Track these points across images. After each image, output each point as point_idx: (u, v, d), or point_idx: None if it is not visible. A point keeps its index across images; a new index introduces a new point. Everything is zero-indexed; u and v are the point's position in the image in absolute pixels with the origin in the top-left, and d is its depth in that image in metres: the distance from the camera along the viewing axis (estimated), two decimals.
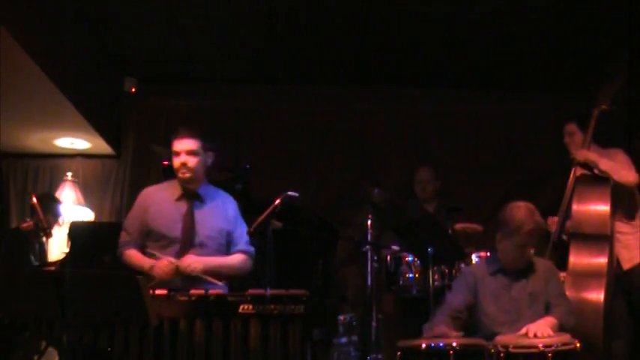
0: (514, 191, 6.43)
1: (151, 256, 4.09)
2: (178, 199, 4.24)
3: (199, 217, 4.20)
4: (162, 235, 4.15)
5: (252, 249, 4.29)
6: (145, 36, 6.60)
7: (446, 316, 4.05)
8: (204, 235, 4.16)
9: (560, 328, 3.80)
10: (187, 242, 4.13)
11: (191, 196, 4.24)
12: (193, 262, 4.00)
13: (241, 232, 4.28)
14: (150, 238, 4.18)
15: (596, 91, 5.07)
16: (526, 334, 3.70)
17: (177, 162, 4.19)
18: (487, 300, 4.06)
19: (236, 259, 4.24)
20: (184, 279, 3.97)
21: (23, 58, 5.17)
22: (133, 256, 4.18)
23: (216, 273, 4.08)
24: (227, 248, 4.26)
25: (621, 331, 4.79)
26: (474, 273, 4.21)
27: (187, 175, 4.19)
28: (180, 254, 4.08)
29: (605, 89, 5.01)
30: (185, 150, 4.18)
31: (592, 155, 4.85)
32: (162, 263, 4.00)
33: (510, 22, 6.23)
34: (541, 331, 3.67)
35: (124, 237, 4.26)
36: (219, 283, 4.00)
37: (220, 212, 4.28)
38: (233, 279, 4.28)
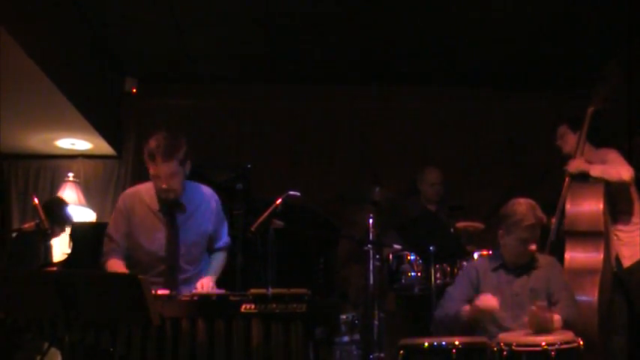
0: (515, 189, 6.43)
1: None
2: (160, 210, 4.11)
3: (182, 225, 4.11)
4: (145, 247, 4.08)
5: (229, 239, 4.27)
6: (145, 36, 6.61)
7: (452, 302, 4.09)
8: (188, 242, 4.10)
9: (565, 324, 3.81)
10: (172, 255, 4.07)
11: (172, 206, 4.11)
12: (207, 285, 3.94)
13: (222, 228, 4.25)
14: (133, 248, 4.11)
15: (590, 91, 5.10)
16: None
17: (157, 184, 4.03)
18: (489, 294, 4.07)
19: (221, 258, 4.25)
20: None
21: (23, 59, 5.17)
22: (116, 267, 4.04)
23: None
24: (208, 245, 4.24)
25: (620, 327, 4.80)
26: (477, 268, 4.23)
27: (171, 196, 4.05)
28: (165, 266, 4.04)
29: (598, 90, 5.04)
30: (165, 175, 3.98)
31: (583, 165, 4.90)
32: None
33: (511, 21, 6.23)
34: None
35: (107, 244, 4.13)
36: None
37: (201, 213, 4.18)
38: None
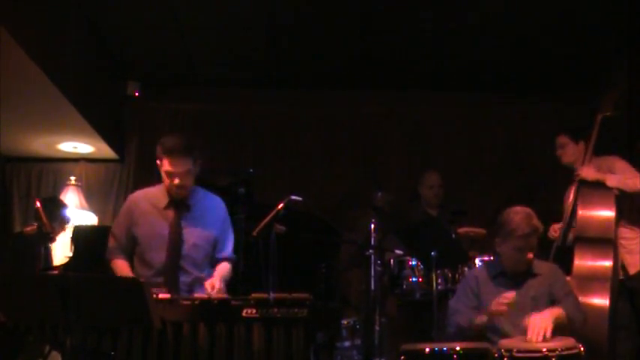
0: (517, 195, 6.43)
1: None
2: (166, 208, 4.16)
3: (186, 225, 4.14)
4: (146, 245, 4.11)
5: (234, 256, 4.28)
6: (147, 40, 6.62)
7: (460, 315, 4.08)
8: (191, 244, 4.12)
9: (569, 321, 3.80)
10: (174, 252, 4.08)
11: (179, 205, 4.16)
12: (219, 287, 3.92)
13: (227, 237, 4.26)
14: (136, 245, 4.15)
15: (599, 98, 5.09)
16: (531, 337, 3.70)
17: (172, 182, 4.06)
18: (489, 303, 4.06)
19: (226, 269, 4.20)
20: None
21: (26, 62, 5.17)
22: (121, 268, 4.12)
23: None
24: (212, 253, 4.24)
25: (627, 334, 4.79)
26: (477, 277, 4.22)
27: (182, 193, 4.12)
28: (166, 264, 4.05)
29: (607, 97, 5.03)
30: (181, 172, 4.04)
31: (597, 173, 4.86)
32: None
33: (513, 27, 6.24)
34: (541, 325, 3.67)
35: (111, 242, 4.22)
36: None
37: (208, 219, 4.22)
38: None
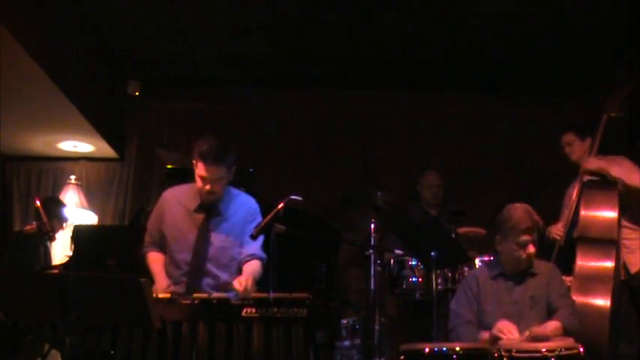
0: (517, 195, 6.42)
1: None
2: (196, 211, 4.12)
3: (214, 229, 4.11)
4: (175, 244, 4.10)
5: (264, 255, 4.16)
6: (148, 39, 6.62)
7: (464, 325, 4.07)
8: (217, 247, 4.09)
9: (565, 332, 3.80)
10: (199, 257, 4.06)
11: (209, 209, 4.12)
12: (248, 285, 3.79)
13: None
14: (166, 246, 4.15)
15: (605, 97, 5.09)
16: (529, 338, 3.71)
17: (203, 187, 4.01)
18: (489, 303, 4.06)
19: (254, 267, 4.11)
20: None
21: (27, 61, 5.18)
22: (152, 263, 4.14)
23: None
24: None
25: (629, 334, 4.78)
26: (476, 277, 4.21)
27: (211, 198, 4.07)
28: (191, 267, 4.04)
29: (612, 97, 5.03)
30: (214, 179, 3.98)
31: (602, 163, 4.86)
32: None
33: (513, 26, 6.24)
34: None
35: (147, 237, 4.24)
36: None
37: (235, 219, 4.17)
38: None
